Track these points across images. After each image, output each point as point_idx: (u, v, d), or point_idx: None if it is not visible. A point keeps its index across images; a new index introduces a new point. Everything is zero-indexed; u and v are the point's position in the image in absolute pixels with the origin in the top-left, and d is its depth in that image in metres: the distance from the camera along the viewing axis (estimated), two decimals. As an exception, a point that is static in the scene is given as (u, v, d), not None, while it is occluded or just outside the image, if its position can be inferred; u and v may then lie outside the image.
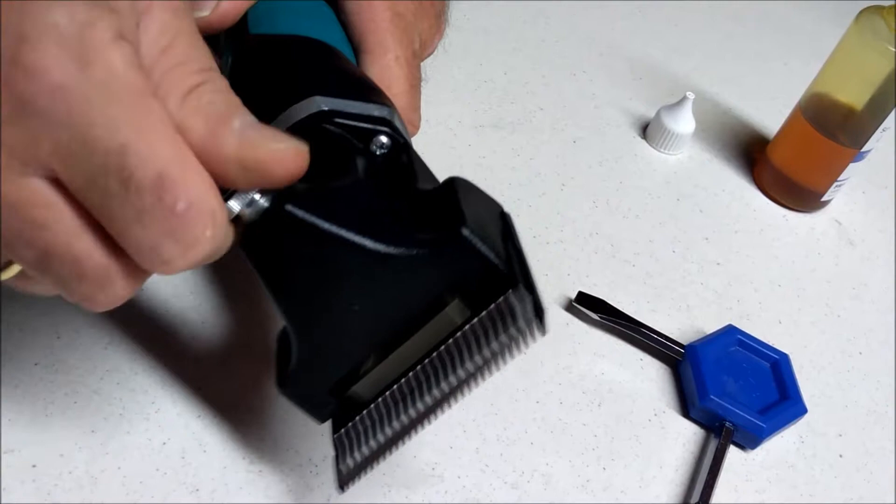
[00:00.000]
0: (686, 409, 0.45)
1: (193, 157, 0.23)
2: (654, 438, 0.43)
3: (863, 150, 0.54)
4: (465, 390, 0.30)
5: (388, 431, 0.32)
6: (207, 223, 0.23)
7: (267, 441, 0.38)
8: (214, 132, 0.24)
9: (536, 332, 0.28)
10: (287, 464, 0.38)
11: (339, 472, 0.33)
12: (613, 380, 0.45)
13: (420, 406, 0.31)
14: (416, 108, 0.38)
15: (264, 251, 0.28)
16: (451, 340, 0.30)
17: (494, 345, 0.29)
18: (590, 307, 0.47)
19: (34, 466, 0.36)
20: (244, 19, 0.34)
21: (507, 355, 0.29)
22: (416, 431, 0.32)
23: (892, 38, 0.49)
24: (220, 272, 0.44)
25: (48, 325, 0.40)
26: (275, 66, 0.33)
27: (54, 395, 0.38)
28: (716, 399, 0.43)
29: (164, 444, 0.38)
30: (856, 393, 0.48)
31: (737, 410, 0.42)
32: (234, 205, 0.26)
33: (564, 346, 0.46)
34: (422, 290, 0.29)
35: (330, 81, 0.32)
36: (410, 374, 0.31)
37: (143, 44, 0.23)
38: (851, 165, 0.55)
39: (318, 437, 0.39)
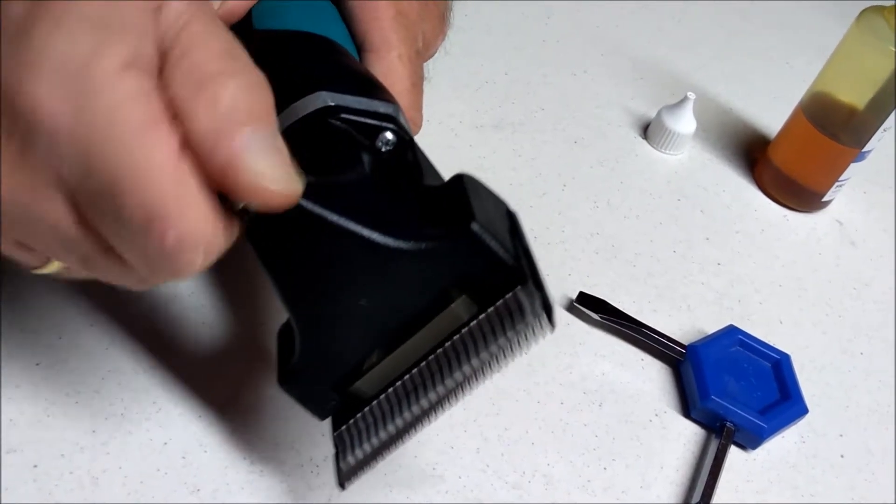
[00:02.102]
0: (687, 410, 0.45)
1: (194, 184, 0.22)
2: (655, 438, 0.43)
3: (864, 149, 0.53)
4: (470, 387, 0.30)
5: (391, 428, 0.32)
6: (198, 251, 0.23)
7: (268, 441, 0.39)
8: (214, 139, 0.22)
9: (545, 329, 0.28)
10: (288, 464, 0.38)
11: (339, 469, 0.33)
12: (614, 380, 0.45)
13: (424, 403, 0.31)
14: (419, 106, 0.38)
15: (271, 243, 0.28)
16: (457, 336, 0.29)
17: (501, 340, 0.29)
18: (591, 307, 0.47)
19: (35, 466, 0.36)
20: (249, 15, 0.34)
21: (514, 352, 0.29)
22: (419, 429, 0.32)
23: (894, 38, 0.49)
24: (222, 273, 0.44)
25: (50, 325, 0.40)
26: (280, 62, 0.33)
27: (56, 396, 0.38)
28: (717, 399, 0.43)
29: (166, 444, 0.38)
30: (857, 393, 0.48)
31: (738, 410, 0.42)
32: None
33: (565, 347, 0.46)
34: (429, 286, 0.28)
35: (335, 77, 0.32)
36: (415, 370, 0.31)
37: (161, 29, 0.22)
38: (853, 165, 0.55)
39: (319, 438, 0.39)
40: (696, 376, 0.44)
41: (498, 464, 0.40)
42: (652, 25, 0.72)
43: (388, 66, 0.37)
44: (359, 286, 0.28)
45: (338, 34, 0.36)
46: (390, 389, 0.31)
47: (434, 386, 0.30)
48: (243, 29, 0.34)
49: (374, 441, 0.32)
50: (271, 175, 0.23)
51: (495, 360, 0.29)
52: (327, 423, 0.33)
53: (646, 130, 0.61)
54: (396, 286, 0.28)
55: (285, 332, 0.33)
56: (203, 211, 0.23)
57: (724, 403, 0.43)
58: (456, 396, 0.31)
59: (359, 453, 0.32)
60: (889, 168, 0.64)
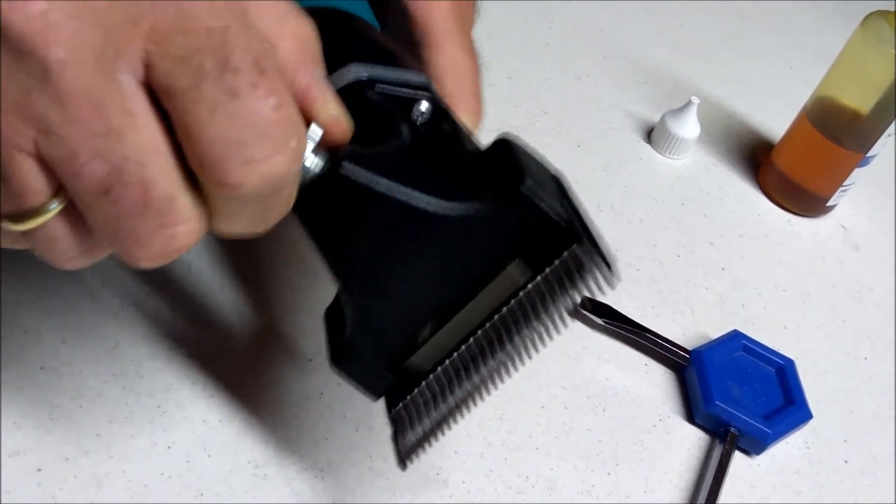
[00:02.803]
0: (691, 415, 0.45)
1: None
2: (659, 444, 0.43)
3: (868, 154, 0.53)
4: (533, 350, 0.30)
5: (451, 401, 0.31)
6: (293, 131, 0.23)
7: (272, 445, 0.39)
8: (298, 64, 0.24)
9: (609, 282, 0.28)
10: (292, 468, 0.38)
11: (398, 449, 0.32)
12: (618, 385, 0.45)
13: (484, 371, 0.30)
14: (480, 95, 0.38)
15: (319, 215, 0.27)
16: (516, 300, 0.29)
17: (564, 299, 0.28)
18: (594, 312, 0.47)
19: (39, 470, 0.36)
20: None
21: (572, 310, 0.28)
22: (480, 398, 0.31)
23: (898, 43, 0.49)
24: (224, 276, 0.44)
25: (54, 328, 0.40)
26: None
27: (59, 399, 0.38)
28: (721, 404, 0.43)
29: (169, 447, 0.38)
30: (861, 398, 0.48)
31: (742, 416, 0.42)
32: None
33: (569, 351, 0.46)
34: (481, 251, 0.28)
35: (365, 49, 0.32)
36: (472, 338, 0.30)
37: None
38: (857, 170, 0.55)
39: (322, 441, 0.39)
40: (700, 381, 0.44)
41: (501, 468, 0.40)
42: (655, 29, 0.72)
43: (452, 59, 0.36)
44: (409, 255, 0.28)
45: (361, 10, 0.36)
46: (447, 361, 0.30)
47: (495, 352, 0.29)
48: None
49: (435, 415, 0.31)
50: (336, 106, 0.26)
51: (557, 321, 0.29)
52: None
53: (649, 134, 0.61)
54: (447, 253, 0.28)
55: (333, 312, 0.32)
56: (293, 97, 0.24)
57: (728, 409, 0.43)
58: (518, 361, 0.30)
59: (419, 430, 0.31)
60: (893, 173, 0.64)
